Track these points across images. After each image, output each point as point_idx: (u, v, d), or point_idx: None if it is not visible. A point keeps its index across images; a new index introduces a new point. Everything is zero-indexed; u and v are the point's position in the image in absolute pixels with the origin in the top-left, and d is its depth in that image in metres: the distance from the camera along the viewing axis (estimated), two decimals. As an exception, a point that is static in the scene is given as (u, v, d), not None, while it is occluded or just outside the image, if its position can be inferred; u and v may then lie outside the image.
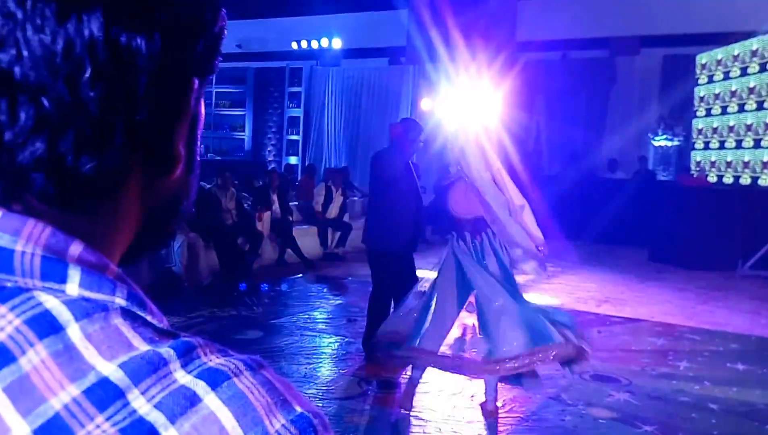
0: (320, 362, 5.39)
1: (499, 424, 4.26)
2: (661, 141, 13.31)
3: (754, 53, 10.51)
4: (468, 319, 4.09)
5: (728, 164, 11.03)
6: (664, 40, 12.86)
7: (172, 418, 0.37)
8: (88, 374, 0.37)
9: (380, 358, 4.53)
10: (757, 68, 10.43)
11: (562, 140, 13.79)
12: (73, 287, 0.40)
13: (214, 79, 17.13)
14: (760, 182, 10.24)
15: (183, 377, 0.38)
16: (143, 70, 0.42)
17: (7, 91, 0.39)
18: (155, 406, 0.37)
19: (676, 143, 13.17)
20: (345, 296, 7.80)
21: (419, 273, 5.18)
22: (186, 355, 0.39)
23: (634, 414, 4.41)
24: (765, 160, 10.21)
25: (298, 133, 17.05)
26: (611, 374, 5.13)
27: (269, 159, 17.19)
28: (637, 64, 13.55)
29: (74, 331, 0.38)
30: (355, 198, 12.20)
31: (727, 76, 11.14)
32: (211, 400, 0.38)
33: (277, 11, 16.07)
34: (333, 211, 10.35)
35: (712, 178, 11.29)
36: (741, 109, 10.77)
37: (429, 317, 4.13)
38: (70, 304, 0.39)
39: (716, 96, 11.42)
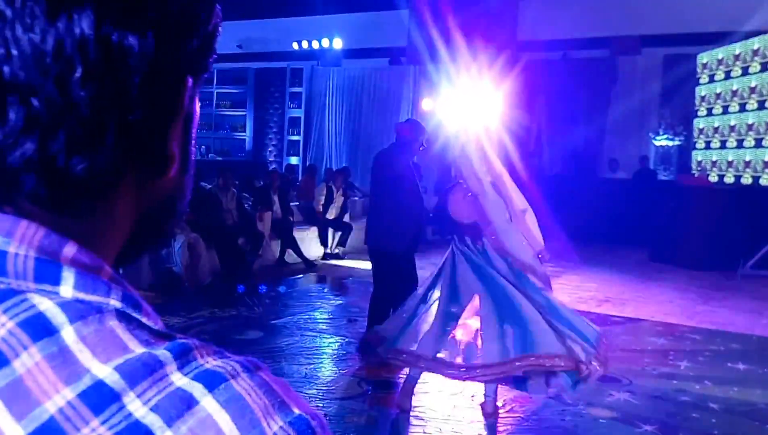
0: (321, 362, 5.39)
1: (499, 424, 4.25)
2: (662, 141, 13.30)
3: (755, 52, 10.50)
4: (470, 323, 4.06)
5: (729, 164, 11.02)
6: (665, 40, 12.84)
7: (169, 421, 0.36)
8: (83, 377, 0.36)
9: (369, 359, 4.52)
10: (759, 67, 10.42)
11: (563, 140, 13.78)
12: (67, 289, 0.39)
13: (215, 80, 17.26)
14: (762, 182, 10.23)
15: (179, 379, 0.38)
16: (135, 69, 0.41)
17: None
18: (151, 409, 0.36)
19: (677, 143, 13.16)
20: (345, 296, 7.80)
21: (420, 273, 5.18)
22: (182, 357, 0.39)
23: (635, 413, 4.41)
24: (766, 159, 10.19)
25: (298, 134, 17.04)
26: (612, 374, 5.12)
27: (270, 159, 17.18)
28: (638, 64, 13.54)
29: (69, 334, 0.37)
30: (356, 198, 12.20)
31: (728, 76, 11.13)
32: (208, 403, 0.37)
33: (277, 11, 16.06)
34: (333, 212, 10.35)
35: (714, 178, 11.28)
36: (742, 108, 10.76)
37: (426, 320, 4.12)
38: (65, 306, 0.38)
39: (717, 95, 11.41)
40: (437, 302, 4.16)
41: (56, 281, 0.39)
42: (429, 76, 12.83)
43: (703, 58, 11.84)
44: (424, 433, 4.07)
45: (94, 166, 0.41)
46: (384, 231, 5.09)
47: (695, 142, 12.07)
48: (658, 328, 6.63)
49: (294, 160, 16.87)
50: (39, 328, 0.37)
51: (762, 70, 10.36)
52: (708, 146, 11.66)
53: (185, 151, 0.50)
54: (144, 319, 0.41)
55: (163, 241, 0.53)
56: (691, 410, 4.52)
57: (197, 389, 0.37)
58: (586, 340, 3.89)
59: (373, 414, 4.36)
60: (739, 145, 10.82)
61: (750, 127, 10.55)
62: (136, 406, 0.36)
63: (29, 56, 0.39)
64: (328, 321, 6.65)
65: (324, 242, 10.25)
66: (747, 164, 10.61)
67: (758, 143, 10.36)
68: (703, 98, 11.88)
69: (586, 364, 3.80)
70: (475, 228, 4.13)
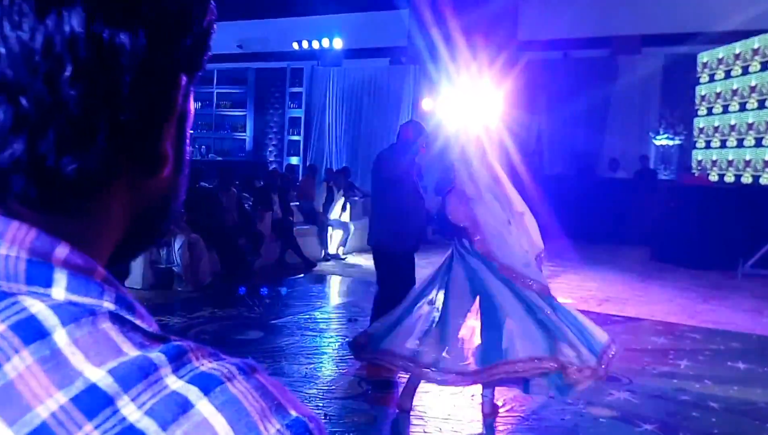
0: (321, 362, 5.39)
1: (499, 424, 4.25)
2: (662, 140, 13.30)
3: (755, 52, 10.50)
4: (453, 327, 4.03)
5: (730, 163, 11.02)
6: (665, 39, 12.84)
7: (164, 425, 0.35)
8: (75, 381, 0.36)
9: (359, 357, 4.53)
10: (759, 67, 10.42)
11: (564, 139, 13.79)
12: (59, 291, 0.38)
13: (215, 80, 17.28)
14: (762, 181, 10.23)
15: (174, 383, 0.37)
16: (127, 67, 0.40)
17: None
18: (146, 413, 0.35)
19: (677, 142, 13.15)
20: (346, 296, 7.81)
21: (423, 272, 5.18)
22: (177, 360, 0.38)
23: (635, 413, 4.40)
24: (766, 158, 10.19)
25: (299, 134, 17.05)
26: (612, 373, 5.12)
27: (270, 159, 17.18)
28: (638, 63, 13.53)
29: (61, 337, 0.37)
30: (356, 198, 12.19)
31: (728, 75, 11.13)
32: (203, 406, 0.36)
33: (278, 11, 16.05)
34: (334, 212, 10.35)
35: (714, 177, 11.28)
36: (742, 107, 10.76)
37: (413, 321, 4.10)
38: (57, 308, 0.37)
39: (718, 95, 11.41)
40: (426, 304, 4.15)
41: (48, 283, 0.38)
42: (429, 75, 12.83)
43: (704, 57, 11.84)
44: (425, 432, 4.07)
45: (85, 167, 0.40)
46: (385, 232, 5.12)
47: (695, 142, 12.07)
48: (658, 328, 6.63)
49: (294, 160, 16.87)
50: (31, 331, 0.36)
51: (762, 70, 10.35)
52: (708, 145, 11.66)
53: (179, 150, 0.49)
54: (138, 322, 0.40)
55: (157, 242, 0.52)
56: (692, 409, 4.52)
57: (193, 392, 0.37)
58: (590, 347, 3.84)
59: (374, 413, 4.36)
60: (740, 144, 10.82)
61: (750, 126, 10.55)
62: (131, 410, 0.35)
63: (17, 54, 0.38)
64: (328, 321, 6.65)
65: (324, 242, 10.25)
66: (747, 163, 10.61)
67: (758, 142, 10.36)
68: (703, 97, 11.88)
69: (578, 368, 3.75)
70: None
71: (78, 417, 0.35)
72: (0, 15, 0.38)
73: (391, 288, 5.05)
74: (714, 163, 11.41)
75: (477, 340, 3.91)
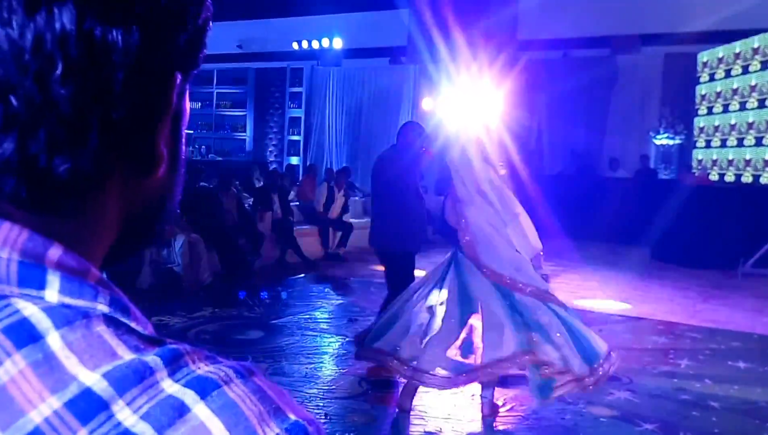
0: (321, 362, 5.38)
1: (499, 423, 4.25)
2: (662, 139, 13.30)
3: (755, 51, 10.50)
4: (437, 327, 4.03)
5: (730, 162, 11.02)
6: (665, 39, 12.83)
7: (160, 430, 0.35)
8: (69, 385, 0.35)
9: (358, 356, 4.53)
10: (759, 66, 10.42)
11: (564, 139, 13.78)
12: (52, 294, 0.38)
13: (215, 80, 17.28)
14: (762, 180, 10.23)
15: (170, 386, 0.36)
16: (120, 65, 0.40)
17: None
18: (142, 418, 0.35)
19: (677, 142, 13.15)
20: (346, 296, 7.80)
21: (419, 273, 5.18)
22: (173, 363, 0.37)
23: (635, 412, 4.40)
24: (767, 158, 10.19)
25: (299, 134, 17.04)
26: (612, 372, 5.12)
27: (270, 159, 17.18)
28: (638, 63, 13.53)
29: (54, 340, 0.36)
30: (357, 198, 12.19)
31: (728, 74, 11.13)
32: (200, 410, 0.36)
33: (277, 11, 16.05)
34: (334, 211, 10.34)
35: (714, 177, 11.28)
36: (743, 107, 10.76)
37: (403, 322, 4.11)
38: (50, 311, 0.37)
39: (718, 94, 11.41)
40: (420, 304, 4.15)
41: (41, 285, 0.38)
42: (429, 75, 12.82)
43: (704, 56, 11.84)
44: (425, 431, 4.07)
45: (77, 167, 0.39)
46: (387, 233, 5.13)
47: (696, 141, 12.07)
48: (658, 327, 6.63)
49: (294, 160, 16.87)
50: (23, 335, 0.36)
51: (762, 69, 10.35)
52: (708, 145, 11.66)
53: (174, 149, 0.48)
54: (133, 324, 0.39)
55: (152, 242, 0.52)
56: (692, 409, 4.51)
57: (189, 396, 0.36)
58: (585, 357, 3.80)
59: (374, 413, 4.35)
60: (740, 143, 10.82)
61: (750, 125, 10.55)
62: (126, 415, 0.35)
63: (6, 52, 0.37)
64: (328, 321, 6.64)
65: (324, 242, 10.25)
66: (747, 163, 10.61)
67: (759, 142, 10.36)
68: (703, 97, 11.88)
69: (558, 370, 3.73)
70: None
71: (72, 422, 0.34)
72: None
73: (392, 288, 5.08)
74: (714, 162, 11.41)
75: (458, 344, 3.92)
